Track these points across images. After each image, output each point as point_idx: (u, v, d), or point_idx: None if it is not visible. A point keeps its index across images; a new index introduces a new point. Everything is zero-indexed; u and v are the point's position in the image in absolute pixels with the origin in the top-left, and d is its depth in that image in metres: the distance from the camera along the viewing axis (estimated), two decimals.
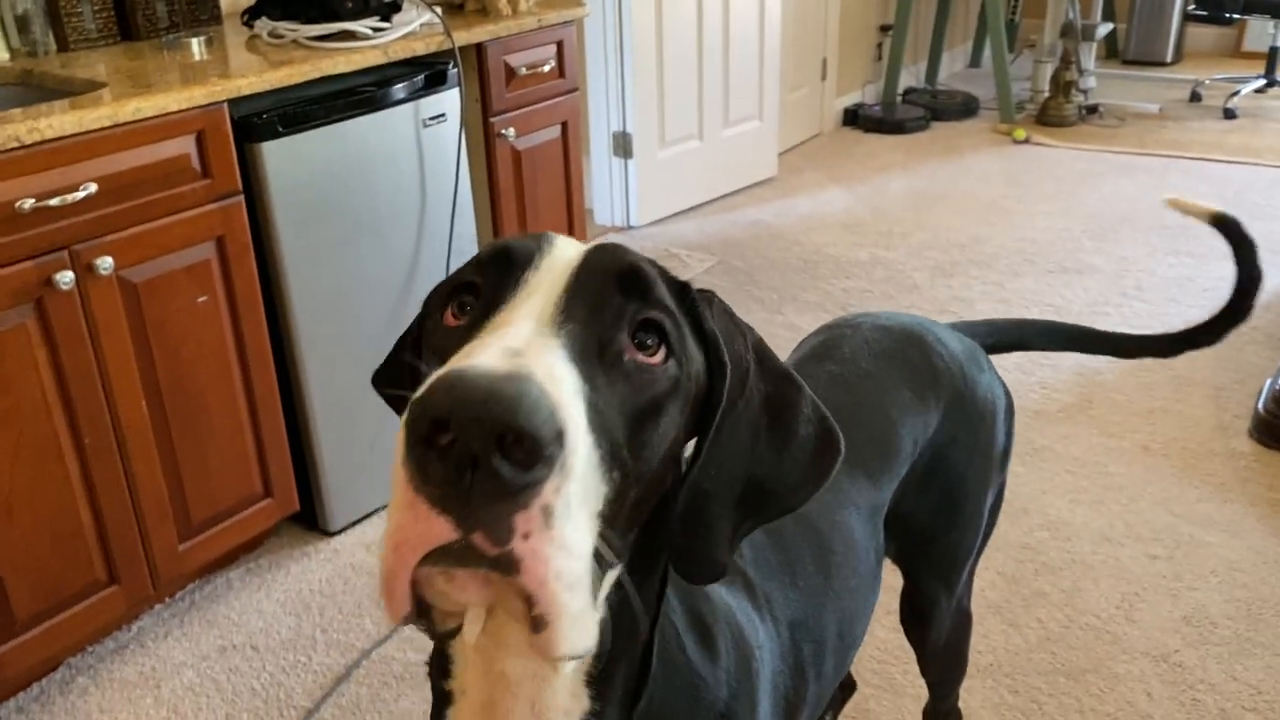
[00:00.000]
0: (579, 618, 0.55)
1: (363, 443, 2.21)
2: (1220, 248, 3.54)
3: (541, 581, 0.52)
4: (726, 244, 3.71)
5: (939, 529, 1.25)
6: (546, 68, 2.46)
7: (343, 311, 2.10)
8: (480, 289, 0.64)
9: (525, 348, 0.54)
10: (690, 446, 0.70)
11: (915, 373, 1.20)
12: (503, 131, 2.39)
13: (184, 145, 1.77)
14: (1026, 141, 4.76)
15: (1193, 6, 5.23)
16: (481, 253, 0.67)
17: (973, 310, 3.14)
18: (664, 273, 0.68)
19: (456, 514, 0.50)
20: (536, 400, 0.50)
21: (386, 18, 2.16)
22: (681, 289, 0.68)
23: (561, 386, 0.53)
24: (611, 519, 0.57)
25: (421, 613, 0.55)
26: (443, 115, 2.22)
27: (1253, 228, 3.86)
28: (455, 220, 2.28)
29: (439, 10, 2.24)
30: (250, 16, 2.23)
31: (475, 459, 0.49)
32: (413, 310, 2.34)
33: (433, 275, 2.26)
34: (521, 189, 2.49)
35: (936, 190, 4.20)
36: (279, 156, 1.92)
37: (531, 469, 0.50)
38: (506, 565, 0.51)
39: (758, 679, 0.86)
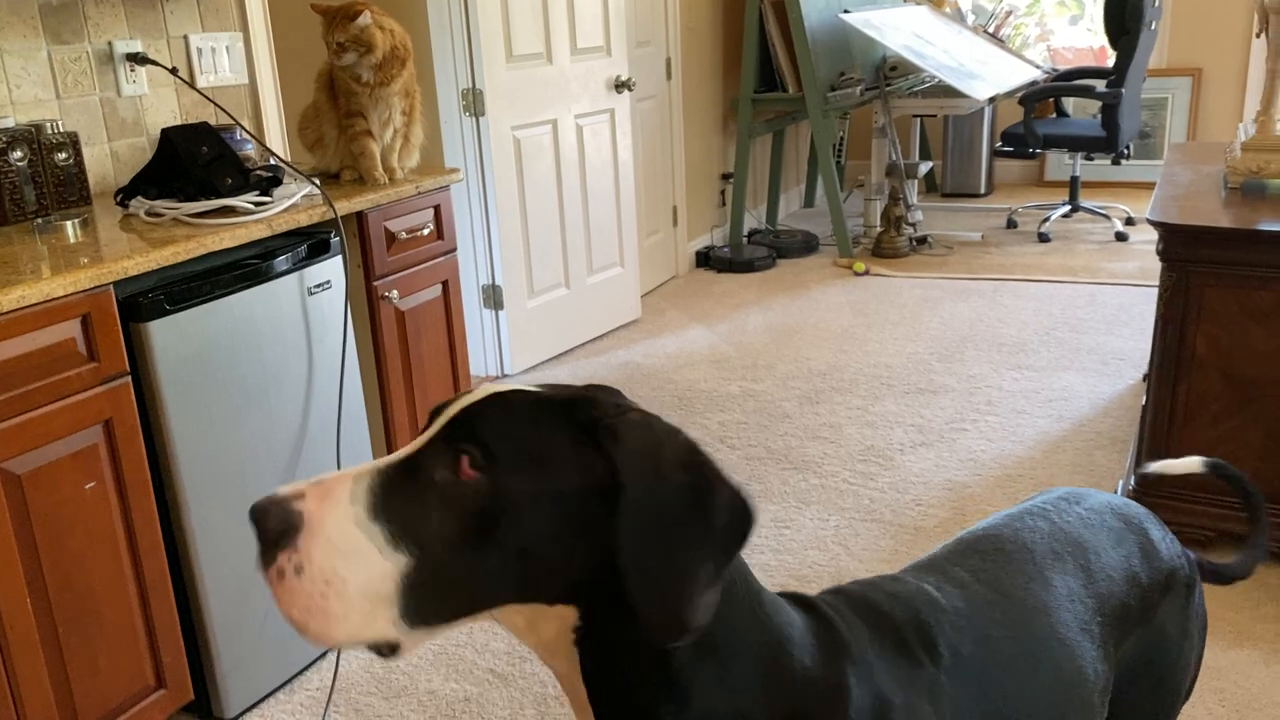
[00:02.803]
0: (333, 621, 0.81)
1: (256, 622, 2.13)
2: (1056, 360, 3.84)
3: (283, 604, 0.81)
4: None
5: None
6: (425, 231, 2.52)
7: (232, 485, 2.05)
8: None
9: (325, 477, 0.83)
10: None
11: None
12: (386, 294, 2.42)
13: (69, 330, 1.73)
14: (866, 273, 5.08)
15: (999, 144, 5.76)
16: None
17: (842, 434, 3.29)
18: (565, 411, 0.84)
19: (264, 562, 0.82)
20: (269, 514, 0.81)
21: (267, 192, 2.19)
22: (586, 425, 0.83)
23: (330, 499, 0.81)
24: (429, 581, 0.81)
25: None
26: (327, 283, 2.24)
27: (1078, 341, 4.18)
28: (344, 382, 2.27)
29: (318, 182, 2.29)
30: (124, 196, 2.22)
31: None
32: (303, 476, 2.28)
33: (322, 442, 2.24)
34: (406, 348, 2.52)
35: (792, 323, 4.42)
36: (166, 334, 1.89)
37: (276, 545, 0.80)
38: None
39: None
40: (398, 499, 0.82)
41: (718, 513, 0.82)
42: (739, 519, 0.83)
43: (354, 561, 0.80)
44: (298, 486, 0.83)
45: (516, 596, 0.85)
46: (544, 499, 0.82)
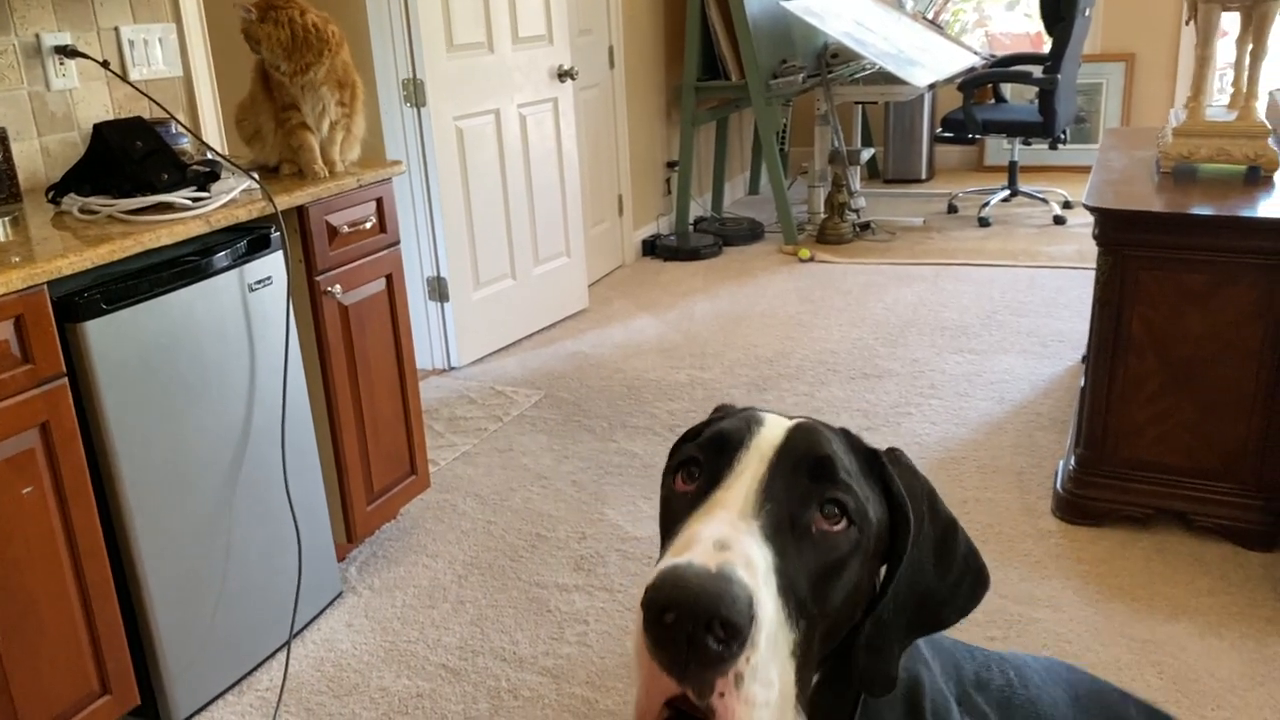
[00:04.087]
0: None
1: (203, 622, 2.10)
2: (997, 342, 3.90)
3: None
4: (550, 377, 3.78)
5: None
6: (368, 224, 2.49)
7: (176, 487, 2.02)
8: (702, 463, 0.79)
9: (730, 539, 0.70)
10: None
11: None
12: (329, 289, 2.39)
13: (2, 332, 1.69)
14: (811, 260, 5.12)
15: (940, 130, 5.83)
16: (704, 435, 0.82)
17: None
18: (855, 444, 0.83)
19: (678, 675, 0.67)
20: (735, 597, 0.66)
21: (204, 187, 2.15)
22: (871, 456, 0.84)
23: (756, 573, 0.69)
24: (804, 653, 0.74)
25: None
26: (268, 278, 2.20)
27: (1018, 324, 4.25)
28: (288, 379, 2.25)
29: (256, 176, 2.25)
30: (57, 193, 2.17)
31: (690, 639, 0.65)
32: (246, 478, 2.24)
33: (267, 441, 2.21)
34: (350, 343, 2.49)
35: (738, 311, 4.44)
36: (103, 334, 1.85)
37: (729, 646, 0.66)
38: (707, 713, 0.68)
39: None
40: (788, 561, 0.72)
41: (957, 568, 0.85)
42: (978, 585, 0.86)
43: (772, 656, 0.69)
44: (706, 555, 0.67)
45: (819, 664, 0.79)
46: (869, 542, 0.78)
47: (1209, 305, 2.42)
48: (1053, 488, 2.75)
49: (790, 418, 0.84)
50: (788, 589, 0.71)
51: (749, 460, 0.77)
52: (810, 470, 0.77)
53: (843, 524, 0.76)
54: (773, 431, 0.80)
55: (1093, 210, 2.49)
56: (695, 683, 0.67)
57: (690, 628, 0.65)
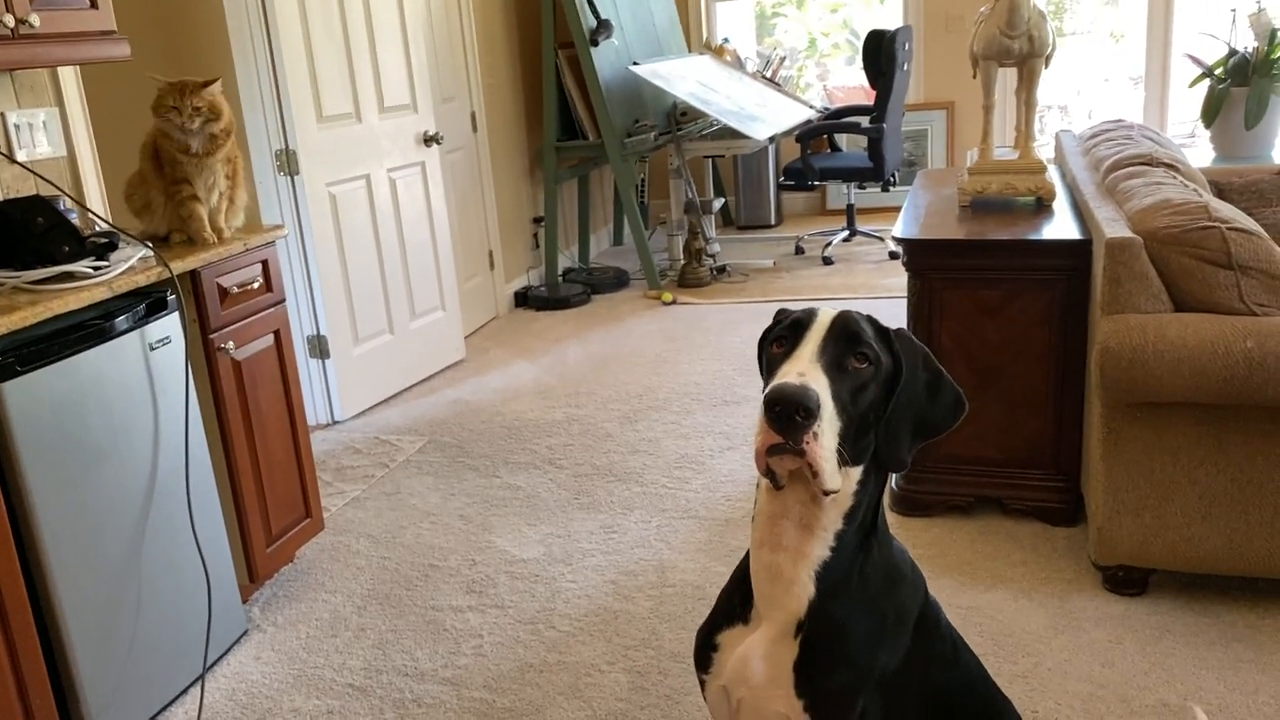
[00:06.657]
0: (831, 475, 1.29)
1: (119, 660, 2.24)
2: None
3: (814, 458, 1.26)
4: (433, 424, 3.99)
5: None
6: (255, 284, 2.70)
7: (90, 535, 2.17)
8: (788, 336, 1.36)
9: (806, 371, 1.29)
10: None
11: None
12: (223, 345, 2.58)
13: None
14: (674, 303, 5.47)
15: (782, 178, 6.30)
16: (787, 320, 1.37)
17: (660, 447, 3.62)
18: (875, 324, 1.39)
19: (782, 434, 1.25)
20: (810, 397, 1.24)
21: (104, 256, 2.33)
22: (884, 331, 1.39)
23: (820, 387, 1.28)
24: (845, 436, 1.31)
25: (768, 474, 1.33)
26: (167, 338, 2.39)
27: None
28: (189, 431, 2.42)
29: (151, 245, 2.44)
30: None
31: (789, 416, 1.24)
32: (154, 525, 2.38)
33: (172, 490, 2.38)
34: (245, 395, 2.67)
35: (608, 353, 4.74)
36: (18, 394, 2.01)
37: (808, 420, 1.24)
38: (800, 453, 1.26)
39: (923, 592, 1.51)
40: (835, 384, 1.29)
41: (943, 397, 1.41)
42: (956, 407, 1.43)
43: (830, 428, 1.27)
44: (794, 379, 1.25)
45: (863, 454, 1.36)
46: (882, 375, 1.35)
47: (1003, 317, 2.82)
48: (889, 485, 3.11)
49: (835, 309, 1.39)
50: (836, 396, 1.30)
51: (813, 334, 1.34)
52: (847, 338, 1.33)
53: (865, 365, 1.33)
54: (825, 317, 1.35)
55: (901, 241, 2.89)
56: (792, 438, 1.25)
57: (789, 411, 1.23)
